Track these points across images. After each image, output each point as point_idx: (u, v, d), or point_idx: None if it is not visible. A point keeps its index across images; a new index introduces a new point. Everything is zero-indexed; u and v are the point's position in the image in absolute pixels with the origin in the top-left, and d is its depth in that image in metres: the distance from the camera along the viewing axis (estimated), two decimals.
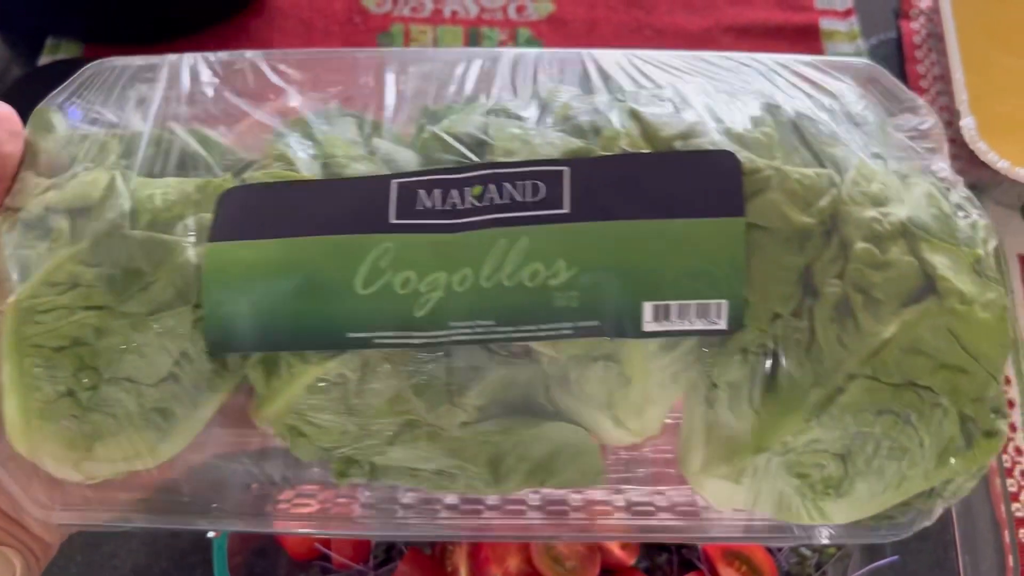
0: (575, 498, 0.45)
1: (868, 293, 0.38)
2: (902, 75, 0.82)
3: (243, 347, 0.39)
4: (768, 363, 0.39)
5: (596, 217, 0.39)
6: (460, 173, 0.40)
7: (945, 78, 0.76)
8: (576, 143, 0.40)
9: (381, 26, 0.82)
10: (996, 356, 0.38)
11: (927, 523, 0.42)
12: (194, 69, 0.45)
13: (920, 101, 0.45)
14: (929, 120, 0.44)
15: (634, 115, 0.41)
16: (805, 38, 0.84)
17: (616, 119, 0.41)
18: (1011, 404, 0.65)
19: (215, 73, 0.45)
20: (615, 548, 0.56)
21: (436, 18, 0.83)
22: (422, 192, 0.40)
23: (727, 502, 0.41)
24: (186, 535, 0.59)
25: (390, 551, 0.57)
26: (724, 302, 0.38)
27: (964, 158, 0.72)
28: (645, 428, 0.41)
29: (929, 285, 0.38)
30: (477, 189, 0.40)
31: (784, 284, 0.38)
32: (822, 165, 0.40)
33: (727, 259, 0.38)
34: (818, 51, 0.83)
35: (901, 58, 0.83)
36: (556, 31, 0.83)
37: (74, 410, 0.38)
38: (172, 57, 0.45)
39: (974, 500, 0.57)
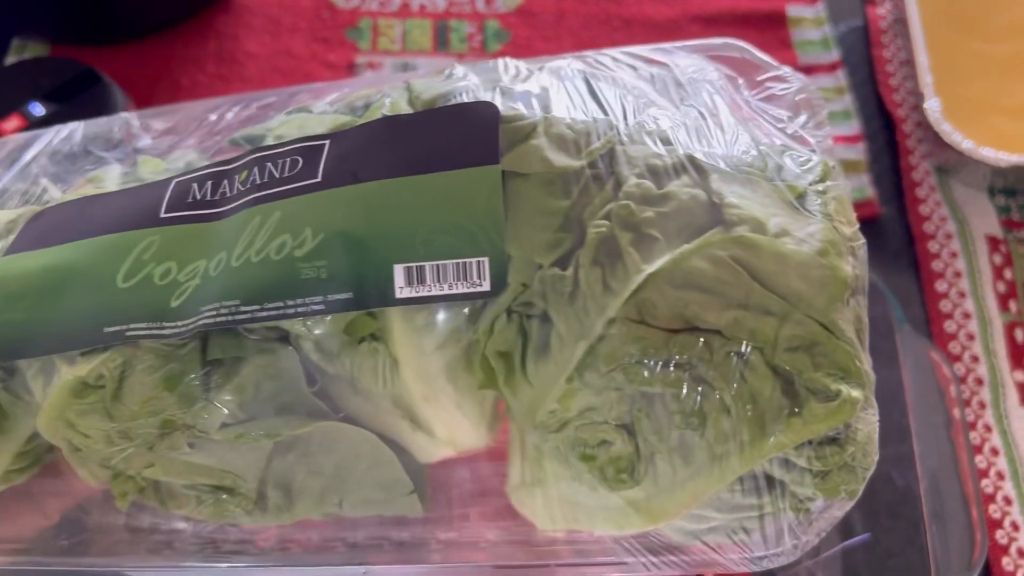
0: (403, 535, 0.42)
1: (639, 230, 0.34)
2: (869, 60, 0.82)
3: (13, 352, 0.39)
4: (536, 324, 0.35)
5: (346, 182, 0.36)
6: (231, 164, 0.40)
7: (911, 63, 0.77)
8: (344, 119, 0.40)
9: (349, 21, 0.82)
10: (817, 297, 0.32)
11: (794, 554, 0.37)
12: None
13: (786, 70, 0.42)
14: (793, 86, 0.41)
15: (407, 88, 0.40)
16: (772, 25, 0.84)
17: (389, 95, 0.40)
18: (979, 381, 0.66)
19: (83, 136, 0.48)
20: None
21: (404, 12, 0.83)
22: (195, 186, 0.40)
23: (547, 519, 0.38)
24: None
25: None
26: (484, 259, 0.34)
27: (930, 140, 0.73)
28: (455, 434, 0.38)
29: (717, 217, 0.34)
30: (243, 174, 0.39)
31: (546, 231, 0.35)
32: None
33: (483, 211, 0.35)
34: (785, 38, 0.83)
35: (867, 44, 0.84)
36: (525, 22, 0.83)
37: None
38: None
39: (942, 477, 0.58)
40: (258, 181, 0.39)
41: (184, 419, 0.38)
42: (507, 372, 0.36)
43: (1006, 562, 0.60)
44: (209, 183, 0.40)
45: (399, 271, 0.35)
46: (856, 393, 0.33)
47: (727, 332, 0.33)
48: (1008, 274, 0.70)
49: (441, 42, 0.82)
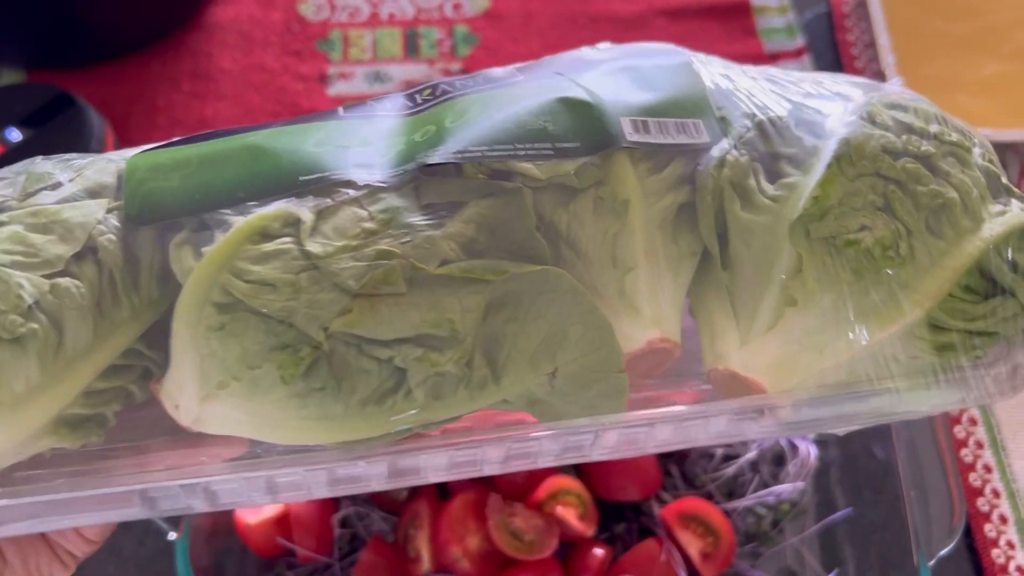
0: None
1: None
2: (833, 45, 0.84)
3: (172, 211, 0.37)
4: (767, 157, 0.40)
5: (553, 77, 0.42)
6: (409, 90, 0.44)
7: (874, 45, 0.78)
8: None
9: (319, 33, 0.84)
10: None
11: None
12: None
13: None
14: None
15: None
16: (737, 16, 0.85)
17: None
18: (973, 421, 0.67)
19: None
20: (573, 520, 0.57)
21: (373, 21, 0.85)
22: (372, 102, 0.43)
23: (788, 363, 0.39)
24: (150, 542, 0.60)
25: (353, 541, 0.58)
26: (699, 121, 0.41)
27: None
28: (660, 314, 0.40)
29: None
30: (426, 91, 0.43)
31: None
32: None
33: (691, 85, 0.42)
34: (750, 26, 0.84)
35: (832, 29, 0.85)
36: (493, 26, 0.84)
37: None
38: None
39: (921, 449, 0.59)
40: (445, 91, 0.42)
41: (403, 250, 0.36)
42: (744, 197, 0.40)
43: (988, 528, 0.61)
44: (389, 102, 0.43)
45: (626, 122, 0.40)
46: None
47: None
48: None
49: (411, 49, 0.83)
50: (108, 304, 0.37)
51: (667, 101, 0.42)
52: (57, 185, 0.39)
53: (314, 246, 0.36)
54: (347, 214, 0.37)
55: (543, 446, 0.40)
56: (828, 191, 0.39)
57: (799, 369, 0.39)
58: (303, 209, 0.37)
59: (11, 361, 0.35)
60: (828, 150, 0.40)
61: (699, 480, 0.61)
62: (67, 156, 0.42)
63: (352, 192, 0.38)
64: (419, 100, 0.42)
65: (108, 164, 0.41)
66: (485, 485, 0.58)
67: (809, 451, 0.61)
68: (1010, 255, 0.40)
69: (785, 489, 0.60)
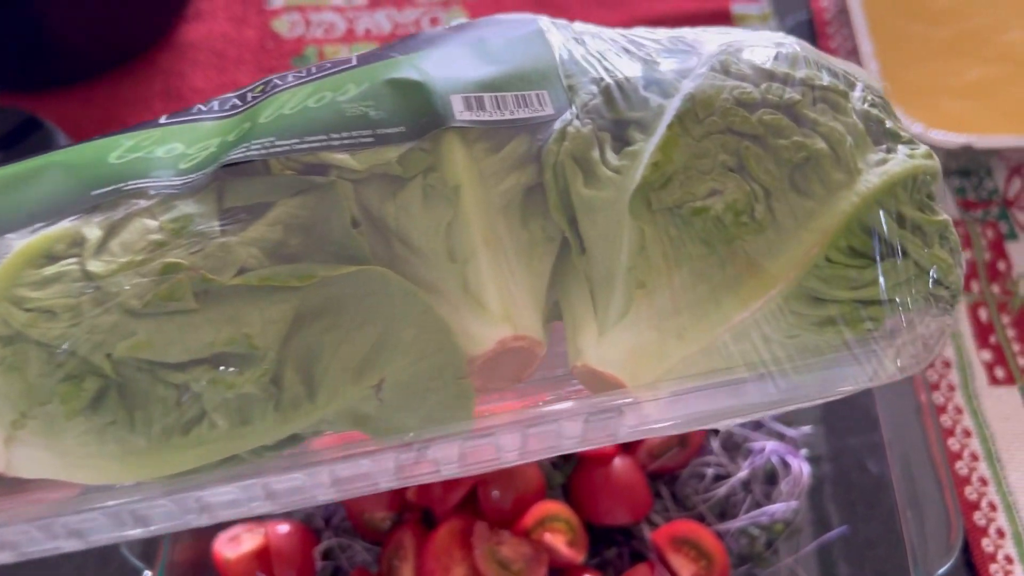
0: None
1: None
2: None
3: None
4: (614, 127, 0.37)
5: (385, 58, 0.40)
6: (240, 90, 0.42)
7: (857, 52, 0.77)
8: None
9: (294, 50, 0.82)
10: None
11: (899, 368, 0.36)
12: None
13: None
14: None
15: None
16: (717, 23, 0.84)
17: None
18: (947, 364, 0.66)
19: None
20: (562, 547, 0.55)
21: (349, 37, 0.83)
22: (200, 107, 0.41)
23: (648, 351, 0.35)
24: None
25: (336, 574, 0.56)
26: (544, 92, 0.38)
27: None
28: (511, 309, 0.36)
29: None
30: (257, 88, 0.40)
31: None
32: None
33: (539, 56, 0.39)
34: None
35: (814, 36, 0.84)
36: None
37: None
38: None
39: (915, 463, 0.58)
40: (275, 84, 0.39)
41: (191, 261, 0.33)
42: (587, 172, 0.36)
43: (986, 543, 0.60)
44: (217, 102, 0.40)
45: (456, 99, 0.37)
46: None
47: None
48: (968, 254, 0.70)
49: None
50: None
51: (509, 74, 0.39)
52: None
53: (96, 265, 0.33)
54: (136, 227, 0.34)
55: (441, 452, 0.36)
56: (669, 154, 0.35)
57: (660, 359, 0.35)
58: (91, 226, 0.34)
59: None
60: (671, 108, 0.36)
61: (690, 501, 0.60)
62: None
63: (143, 202, 0.35)
64: (249, 98, 0.40)
65: None
66: (471, 513, 0.56)
67: (802, 469, 0.60)
68: (896, 209, 0.36)
69: (778, 508, 0.59)
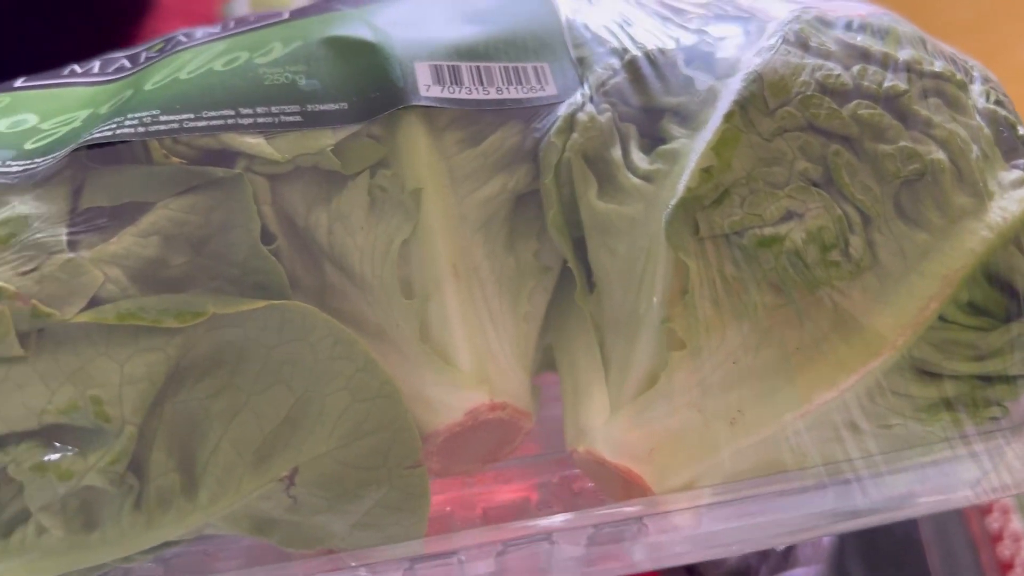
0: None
1: None
2: None
3: None
4: (638, 117, 0.27)
5: (330, 10, 0.30)
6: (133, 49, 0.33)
7: None
8: None
9: None
10: None
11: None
12: None
13: None
14: None
15: None
16: None
17: None
18: None
19: None
20: None
21: None
22: (74, 66, 0.32)
23: (681, 442, 0.25)
24: None
25: None
26: (544, 64, 0.28)
27: None
28: (487, 366, 0.26)
29: None
30: (158, 45, 0.31)
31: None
32: None
33: (533, 18, 0.29)
34: None
35: None
36: None
37: None
38: None
39: (947, 518, 0.54)
40: (184, 40, 0.30)
41: (22, 285, 0.23)
42: (603, 177, 0.27)
43: None
44: (96, 63, 0.31)
45: (423, 68, 0.27)
46: None
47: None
48: None
49: None
50: None
51: (497, 38, 0.29)
52: None
53: None
54: None
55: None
56: (727, 157, 0.25)
57: (701, 451, 0.25)
58: None
59: None
60: (729, 92, 0.26)
61: (702, 566, 0.55)
62: None
63: None
64: (143, 59, 0.30)
65: None
66: None
67: None
68: None
69: (798, 574, 0.54)
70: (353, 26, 0.28)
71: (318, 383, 0.24)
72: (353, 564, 0.24)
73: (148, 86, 0.27)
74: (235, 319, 0.24)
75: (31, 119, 0.27)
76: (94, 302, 0.23)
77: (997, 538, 0.59)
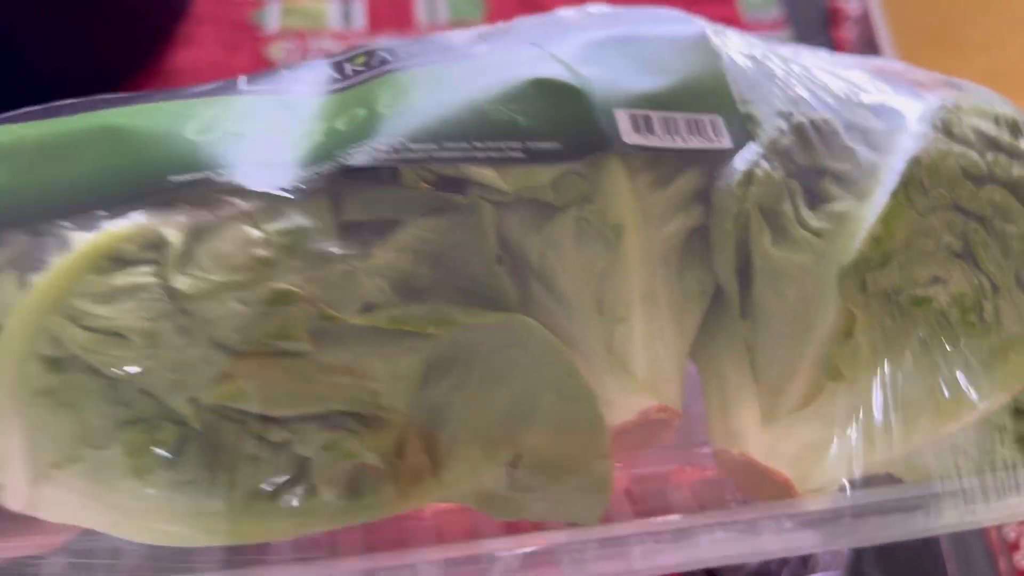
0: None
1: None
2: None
3: None
4: (806, 172, 0.32)
5: (534, 47, 0.33)
6: (337, 56, 0.36)
7: (872, 43, 0.74)
8: None
9: None
10: None
11: None
12: None
13: None
14: None
15: None
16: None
17: None
18: None
19: None
20: None
21: None
22: (284, 71, 0.36)
23: (825, 453, 0.30)
24: None
25: None
26: (718, 117, 0.32)
27: None
28: (657, 376, 0.31)
29: None
30: (359, 59, 0.34)
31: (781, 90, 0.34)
32: None
33: (706, 71, 0.33)
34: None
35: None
36: None
37: None
38: None
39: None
40: (384, 60, 0.33)
41: (308, 291, 0.27)
42: (776, 228, 0.31)
43: None
44: (311, 72, 0.34)
45: (623, 116, 0.31)
46: None
47: None
48: None
49: None
50: None
51: (676, 88, 0.32)
52: None
53: (183, 281, 0.26)
54: (233, 235, 0.27)
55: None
56: (892, 229, 0.30)
57: (841, 462, 0.30)
58: (170, 224, 0.27)
59: None
60: (893, 171, 0.31)
61: (721, 572, 0.55)
62: None
63: (241, 203, 0.28)
64: (348, 71, 0.33)
65: None
66: None
67: None
68: None
69: None
70: (554, 68, 0.32)
71: (533, 385, 0.29)
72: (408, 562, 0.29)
73: (381, 108, 0.30)
74: (473, 329, 0.28)
75: (272, 127, 0.31)
76: (366, 307, 0.28)
77: (1014, 547, 0.59)
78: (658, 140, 0.31)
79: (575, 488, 0.30)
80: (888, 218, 0.30)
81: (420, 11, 0.83)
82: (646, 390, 0.31)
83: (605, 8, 0.38)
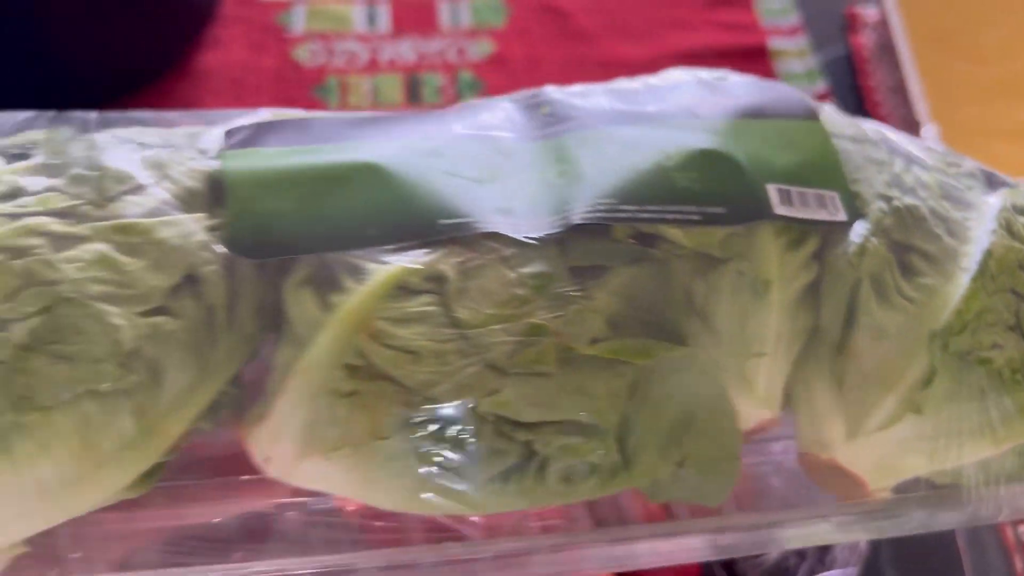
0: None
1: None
2: (856, 90, 0.80)
3: (292, 246, 0.32)
4: (898, 248, 0.38)
5: (687, 117, 0.39)
6: (526, 100, 0.41)
7: (900, 89, 0.74)
8: None
9: (315, 79, 0.79)
10: None
11: None
12: None
13: None
14: None
15: None
16: (754, 59, 0.81)
17: None
18: None
19: None
20: None
21: (372, 67, 0.80)
22: (486, 114, 0.40)
23: (894, 464, 0.38)
24: None
25: None
26: (835, 193, 0.38)
27: None
28: (772, 393, 0.37)
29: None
30: (544, 108, 0.39)
31: (883, 173, 0.40)
32: None
33: (823, 153, 0.39)
34: (769, 72, 0.81)
35: (853, 73, 0.81)
36: (499, 71, 0.80)
37: None
38: None
39: (981, 528, 0.55)
40: (567, 114, 0.39)
41: (556, 326, 0.33)
42: (880, 293, 0.38)
43: None
44: (502, 112, 0.39)
45: (772, 190, 0.37)
46: None
47: None
48: None
49: (413, 95, 0.79)
50: (206, 345, 0.32)
51: (805, 165, 0.39)
52: (139, 188, 0.33)
53: (462, 312, 0.32)
54: (494, 275, 0.33)
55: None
56: (971, 305, 0.37)
57: (904, 471, 0.38)
58: (447, 263, 0.33)
59: (101, 416, 0.30)
60: (972, 260, 0.38)
61: (740, 567, 0.56)
62: (122, 133, 0.36)
63: (496, 245, 0.34)
64: (539, 119, 0.39)
65: (190, 161, 0.34)
66: None
67: None
68: None
69: (834, 575, 0.55)
70: (713, 140, 0.38)
71: (695, 401, 0.35)
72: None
73: (586, 166, 0.36)
74: (662, 356, 0.34)
75: (497, 174, 0.36)
76: (592, 340, 0.33)
77: None
78: (797, 212, 0.37)
79: (714, 479, 0.36)
80: (969, 297, 0.37)
81: (443, 16, 0.84)
82: (764, 405, 0.38)
83: (728, 75, 0.44)
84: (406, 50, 0.82)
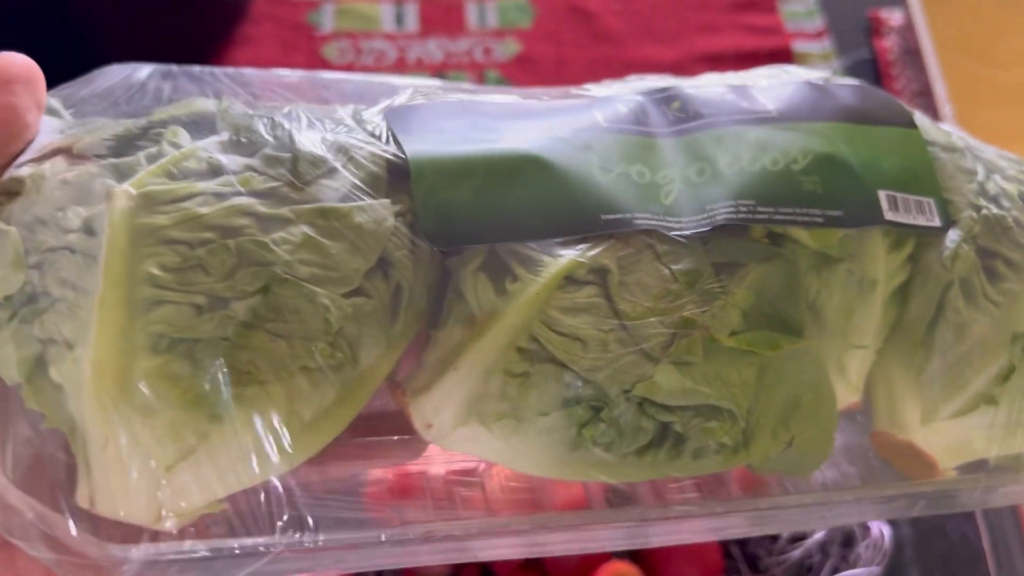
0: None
1: None
2: None
3: (470, 235, 0.34)
4: (984, 253, 0.40)
5: (802, 119, 0.40)
6: (657, 94, 0.41)
7: (924, 93, 0.75)
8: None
9: None
10: None
11: None
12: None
13: None
14: None
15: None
16: (778, 62, 0.82)
17: None
18: None
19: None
20: None
21: (400, 66, 0.81)
22: (619, 106, 0.40)
23: (963, 447, 0.40)
24: None
25: None
26: (931, 200, 0.40)
27: None
28: (861, 380, 0.40)
29: None
30: (676, 104, 0.40)
31: (971, 182, 0.41)
32: None
33: (921, 160, 0.41)
34: None
35: (877, 76, 0.82)
36: (525, 71, 0.81)
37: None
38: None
39: (1007, 524, 0.55)
40: (697, 111, 0.40)
41: (703, 320, 0.35)
42: (967, 295, 0.40)
43: None
44: (636, 106, 0.40)
45: (883, 196, 0.39)
46: None
47: None
48: None
49: None
50: (390, 321, 0.35)
51: (906, 172, 0.40)
52: (332, 172, 0.34)
53: (623, 304, 0.35)
54: (649, 270, 0.35)
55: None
56: None
57: (972, 454, 0.40)
58: (609, 257, 0.35)
59: (309, 389, 0.32)
60: None
61: (763, 563, 0.56)
62: (293, 110, 0.37)
63: (651, 242, 0.36)
64: (670, 114, 0.40)
65: (368, 146, 0.35)
66: (535, 571, 0.53)
67: (883, 532, 0.56)
68: None
69: (858, 574, 0.55)
70: (829, 144, 0.39)
71: (799, 386, 0.37)
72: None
73: (723, 166, 0.38)
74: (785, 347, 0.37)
75: (645, 171, 0.38)
76: (731, 333, 0.35)
77: None
78: (902, 217, 0.39)
79: (812, 455, 0.39)
80: None
81: (471, 16, 0.85)
82: (853, 391, 0.40)
83: (833, 78, 0.45)
84: (433, 49, 0.82)
